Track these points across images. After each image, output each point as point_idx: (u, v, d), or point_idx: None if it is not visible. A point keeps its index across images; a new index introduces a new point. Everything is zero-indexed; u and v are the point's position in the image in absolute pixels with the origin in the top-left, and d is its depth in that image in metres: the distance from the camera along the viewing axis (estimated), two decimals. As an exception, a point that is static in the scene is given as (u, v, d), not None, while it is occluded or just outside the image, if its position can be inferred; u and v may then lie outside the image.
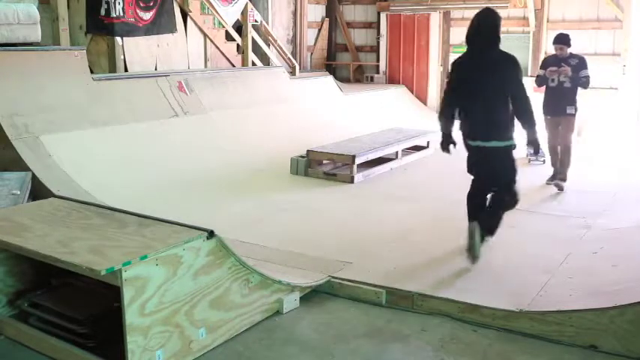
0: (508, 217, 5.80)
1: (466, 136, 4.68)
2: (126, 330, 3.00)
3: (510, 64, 4.52)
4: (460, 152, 4.80)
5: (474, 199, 4.90)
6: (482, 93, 4.52)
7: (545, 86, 7.02)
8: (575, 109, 6.89)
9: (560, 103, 6.85)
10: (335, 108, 11.07)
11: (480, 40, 4.61)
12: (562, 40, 6.92)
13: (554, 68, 6.89)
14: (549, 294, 3.98)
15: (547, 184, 7.06)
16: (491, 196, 4.72)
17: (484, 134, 4.55)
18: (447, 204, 6.33)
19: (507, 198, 4.66)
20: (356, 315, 3.92)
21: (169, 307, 3.19)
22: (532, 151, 4.90)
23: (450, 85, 4.82)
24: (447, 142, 4.76)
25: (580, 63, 6.84)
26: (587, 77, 6.80)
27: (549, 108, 6.99)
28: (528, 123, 4.56)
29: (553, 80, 6.88)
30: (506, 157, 4.58)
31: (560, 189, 6.88)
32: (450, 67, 4.92)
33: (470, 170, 4.86)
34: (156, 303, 3.12)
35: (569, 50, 6.93)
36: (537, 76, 7.12)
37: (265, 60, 11.73)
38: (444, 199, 6.55)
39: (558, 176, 7.00)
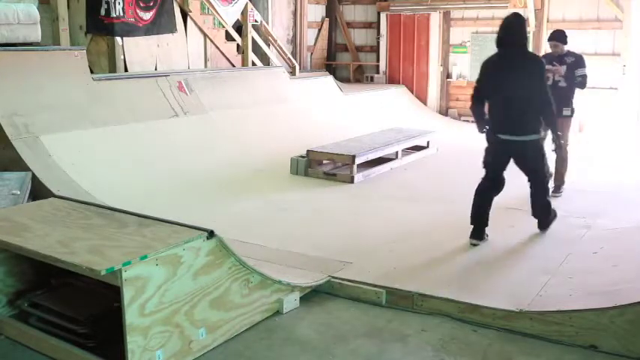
0: (508, 217, 5.82)
1: (496, 130, 5.03)
2: (126, 330, 3.00)
3: (536, 64, 5.05)
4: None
5: (483, 194, 5.16)
6: (513, 91, 4.93)
7: None
8: (572, 111, 6.58)
9: (556, 104, 6.64)
10: (335, 108, 11.07)
11: (509, 42, 5.01)
12: (556, 37, 6.62)
13: (547, 67, 6.52)
14: (549, 294, 3.98)
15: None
16: (531, 184, 5.20)
17: (516, 129, 4.96)
18: (447, 204, 6.34)
19: (542, 177, 5.19)
20: (356, 315, 3.92)
21: (169, 307, 3.19)
22: (554, 147, 5.17)
23: (479, 84, 5.14)
24: (482, 125, 5.18)
25: (576, 61, 6.51)
26: (584, 76, 6.48)
27: None
28: (550, 120, 5.05)
29: (547, 79, 6.48)
30: (538, 148, 5.03)
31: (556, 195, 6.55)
32: (480, 67, 5.20)
33: (487, 163, 5.14)
34: (156, 303, 3.11)
35: (567, 48, 6.63)
36: None
37: (265, 60, 11.72)
38: (444, 199, 6.55)
39: (554, 183, 6.64)
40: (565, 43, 6.63)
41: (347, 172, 7.51)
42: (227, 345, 3.50)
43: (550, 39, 6.72)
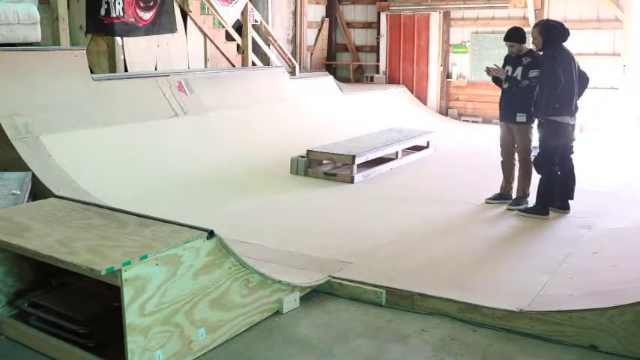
0: (508, 217, 5.83)
1: (571, 114, 5.66)
2: (126, 330, 3.00)
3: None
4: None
5: (555, 177, 5.74)
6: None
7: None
8: (529, 118, 5.90)
9: (510, 108, 5.98)
10: (335, 108, 11.07)
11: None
12: (507, 36, 6.02)
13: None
14: (549, 294, 3.98)
15: (486, 202, 6.30)
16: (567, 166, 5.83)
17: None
18: (447, 204, 6.34)
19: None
20: (356, 315, 3.92)
21: (169, 307, 3.19)
22: None
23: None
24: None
25: (532, 62, 5.82)
26: (534, 78, 5.75)
27: (500, 111, 6.16)
28: None
29: (505, 81, 6.00)
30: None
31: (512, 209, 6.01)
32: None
33: (558, 149, 5.66)
34: (156, 303, 3.12)
35: (528, 47, 6.00)
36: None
37: (265, 60, 11.73)
38: (443, 199, 6.55)
39: (504, 191, 6.23)
40: (522, 42, 6.00)
41: (347, 172, 7.51)
42: (227, 345, 3.51)
43: (505, 38, 6.07)
